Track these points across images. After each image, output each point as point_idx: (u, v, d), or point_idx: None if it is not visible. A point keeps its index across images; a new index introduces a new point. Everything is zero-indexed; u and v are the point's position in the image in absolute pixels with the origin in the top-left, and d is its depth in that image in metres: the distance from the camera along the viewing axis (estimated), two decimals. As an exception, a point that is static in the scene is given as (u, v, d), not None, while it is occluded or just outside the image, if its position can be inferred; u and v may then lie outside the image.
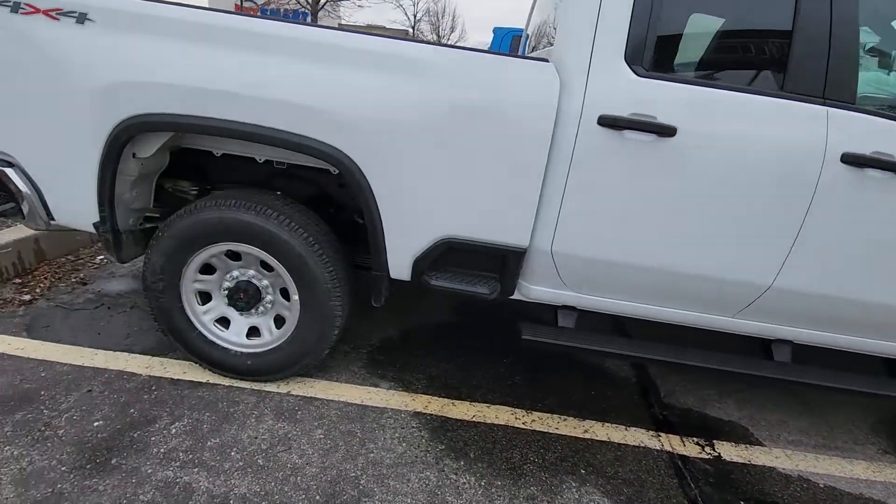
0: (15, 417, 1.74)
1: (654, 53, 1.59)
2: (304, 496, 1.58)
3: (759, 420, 2.29)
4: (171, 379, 2.03)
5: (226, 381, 2.04)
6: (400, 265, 1.85)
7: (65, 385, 1.92)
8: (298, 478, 1.64)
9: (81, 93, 1.65)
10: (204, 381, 2.04)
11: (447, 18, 33.44)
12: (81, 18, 1.61)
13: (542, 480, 1.76)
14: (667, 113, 1.58)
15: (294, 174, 2.07)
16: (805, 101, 1.59)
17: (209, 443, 1.74)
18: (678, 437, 2.10)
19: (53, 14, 1.62)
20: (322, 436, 1.83)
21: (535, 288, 1.91)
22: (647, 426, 2.14)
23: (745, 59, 1.66)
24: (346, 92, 1.62)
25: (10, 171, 1.80)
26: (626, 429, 2.10)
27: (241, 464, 1.67)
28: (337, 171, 1.74)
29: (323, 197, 2.18)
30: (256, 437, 1.79)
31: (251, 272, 1.95)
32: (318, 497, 1.58)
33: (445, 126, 1.63)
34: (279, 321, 2.02)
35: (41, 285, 2.60)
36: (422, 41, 1.68)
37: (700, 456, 2.00)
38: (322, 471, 1.68)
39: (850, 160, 1.57)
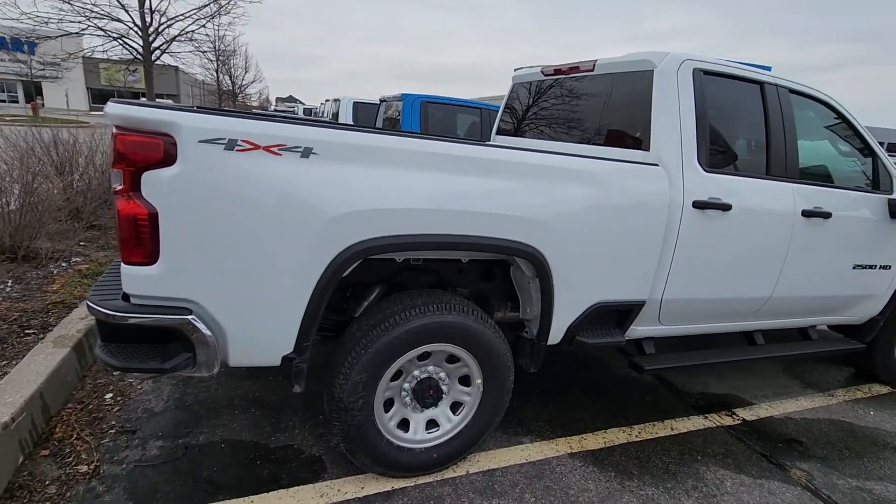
0: None
1: (710, 155, 2.36)
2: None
3: (737, 388, 3.26)
4: (359, 498, 1.96)
5: (410, 482, 2.06)
6: (557, 332, 2.22)
7: (265, 543, 1.71)
8: (557, 537, 1.87)
9: (304, 225, 1.62)
10: (389, 488, 2.02)
11: (239, 58, 31.72)
12: (307, 153, 1.61)
13: (689, 473, 2.33)
14: (725, 195, 2.35)
15: (417, 267, 2.24)
16: (779, 181, 2.56)
17: (463, 539, 1.81)
18: (715, 414, 2.90)
19: (275, 150, 1.57)
20: (534, 499, 2.05)
21: (638, 328, 2.48)
22: (695, 412, 2.89)
23: (751, 156, 2.57)
24: (542, 201, 1.96)
25: (192, 319, 1.59)
26: (688, 419, 2.81)
27: (507, 545, 1.80)
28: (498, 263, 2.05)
29: (438, 283, 2.38)
30: (492, 519, 1.92)
31: (431, 368, 2.06)
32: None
33: (603, 219, 2.10)
34: (454, 408, 2.15)
35: (81, 449, 2.06)
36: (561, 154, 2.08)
37: (736, 424, 2.83)
38: (565, 524, 1.93)
39: (806, 214, 2.59)
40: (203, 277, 1.58)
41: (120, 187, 1.50)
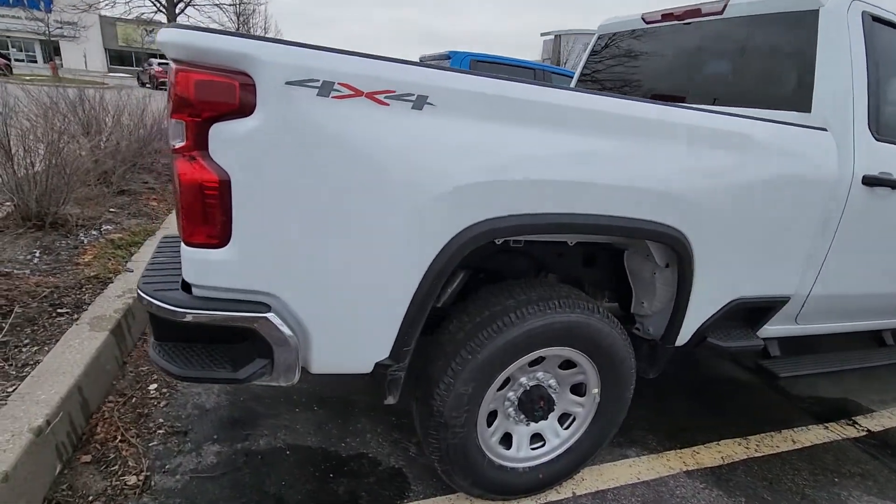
0: None
1: (881, 121, 1.90)
2: None
3: (850, 391, 2.86)
4: (455, 526, 1.64)
5: (511, 506, 1.74)
6: (687, 332, 1.83)
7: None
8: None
9: (413, 197, 1.24)
10: (488, 514, 1.70)
11: (259, 17, 30.75)
12: (420, 103, 1.21)
13: (830, 500, 1.97)
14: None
15: (515, 250, 1.86)
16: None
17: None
18: (835, 423, 2.52)
19: (382, 98, 1.17)
20: (659, 530, 1.72)
21: (770, 328, 2.08)
22: (812, 421, 2.51)
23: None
24: (690, 171, 1.55)
25: (270, 317, 1.24)
26: (808, 429, 2.43)
27: None
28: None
29: (530, 268, 2.00)
30: (617, 559, 1.59)
31: (540, 374, 1.70)
32: None
33: (757, 195, 1.68)
34: (562, 420, 1.80)
35: (128, 454, 1.77)
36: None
37: (862, 435, 2.45)
38: (706, 568, 1.59)
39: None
40: (284, 264, 1.21)
41: (181, 144, 1.13)
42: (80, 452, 1.75)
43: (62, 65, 32.55)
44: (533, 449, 1.76)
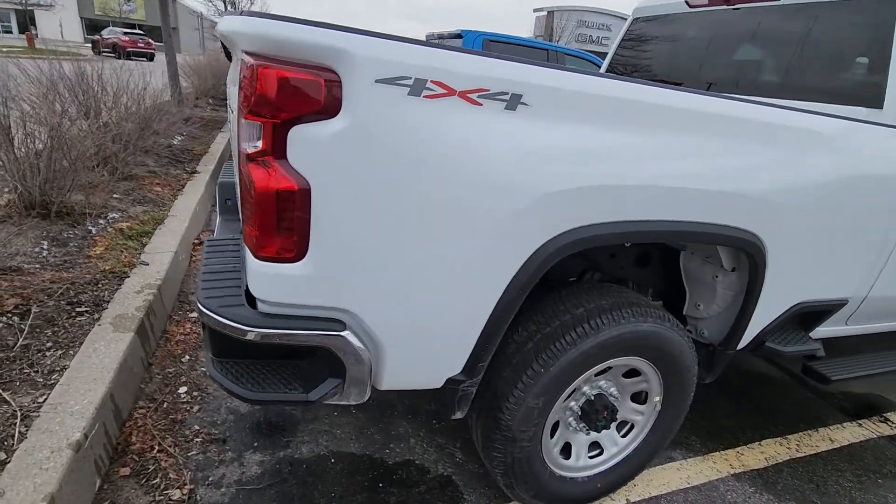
0: None
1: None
2: None
3: (874, 386, 2.87)
4: (515, 538, 1.60)
5: (568, 515, 1.69)
6: (747, 337, 1.78)
7: None
8: None
9: (504, 205, 1.14)
10: (546, 524, 1.66)
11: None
12: (513, 103, 1.10)
13: (874, 501, 1.96)
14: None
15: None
16: None
17: None
18: (868, 420, 2.52)
19: (475, 97, 1.06)
20: (718, 538, 1.69)
21: (820, 330, 2.04)
22: (845, 418, 2.51)
23: None
24: (766, 175, 1.46)
25: (347, 335, 1.15)
26: (843, 427, 2.43)
27: None
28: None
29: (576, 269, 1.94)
30: (683, 571, 1.56)
31: (603, 383, 1.64)
32: None
33: (831, 197, 1.61)
34: (619, 428, 1.75)
35: (167, 465, 1.68)
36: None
37: (894, 432, 2.46)
38: (770, 578, 1.57)
39: None
40: (364, 279, 1.12)
41: (255, 149, 1.01)
42: (117, 465, 1.66)
43: (37, 35, 31.10)
44: (591, 458, 1.71)
